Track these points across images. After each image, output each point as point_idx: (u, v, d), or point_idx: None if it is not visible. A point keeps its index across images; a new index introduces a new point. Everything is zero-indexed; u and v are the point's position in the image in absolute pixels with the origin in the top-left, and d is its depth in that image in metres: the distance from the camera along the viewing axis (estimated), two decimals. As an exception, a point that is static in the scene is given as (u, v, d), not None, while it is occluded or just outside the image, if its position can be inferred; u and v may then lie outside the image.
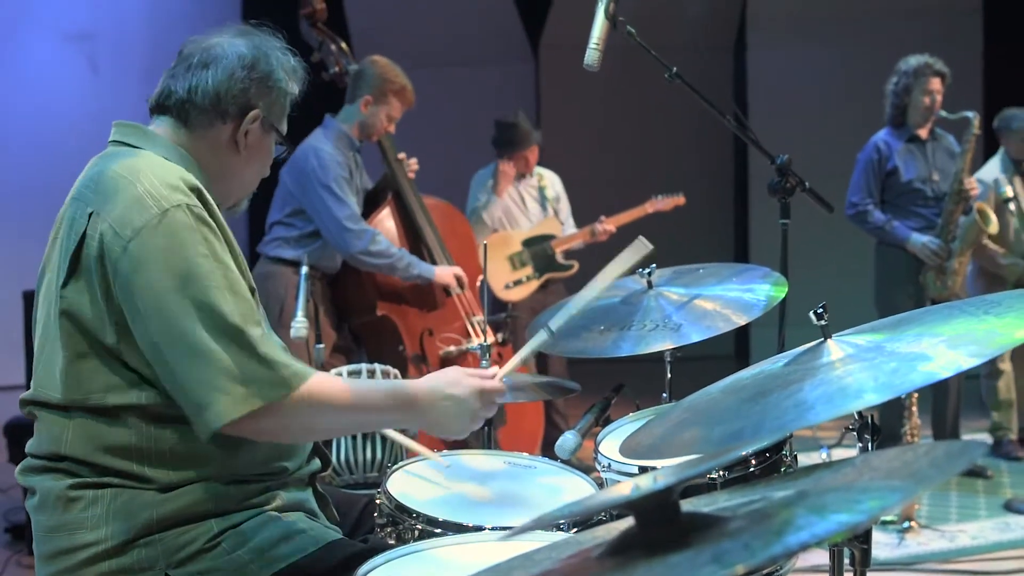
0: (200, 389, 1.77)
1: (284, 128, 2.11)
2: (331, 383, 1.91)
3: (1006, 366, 5.82)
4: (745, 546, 1.03)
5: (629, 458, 1.81)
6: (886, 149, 5.39)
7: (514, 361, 2.15)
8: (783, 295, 2.54)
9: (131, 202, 1.82)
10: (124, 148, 1.97)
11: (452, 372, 2.02)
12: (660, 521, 1.19)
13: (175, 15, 7.73)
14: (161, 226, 1.80)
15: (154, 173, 1.87)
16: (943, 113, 5.32)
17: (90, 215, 1.84)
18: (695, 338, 2.44)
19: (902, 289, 5.36)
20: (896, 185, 5.39)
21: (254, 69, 2.00)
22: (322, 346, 3.69)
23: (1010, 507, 4.93)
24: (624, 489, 1.20)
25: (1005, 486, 5.37)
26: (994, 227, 5.28)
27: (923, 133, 5.43)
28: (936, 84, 5.34)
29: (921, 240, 5.28)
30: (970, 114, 5.28)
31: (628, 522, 1.25)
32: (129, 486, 1.86)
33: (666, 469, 1.25)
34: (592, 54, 2.65)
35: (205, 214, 1.86)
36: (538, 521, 1.31)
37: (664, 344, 2.47)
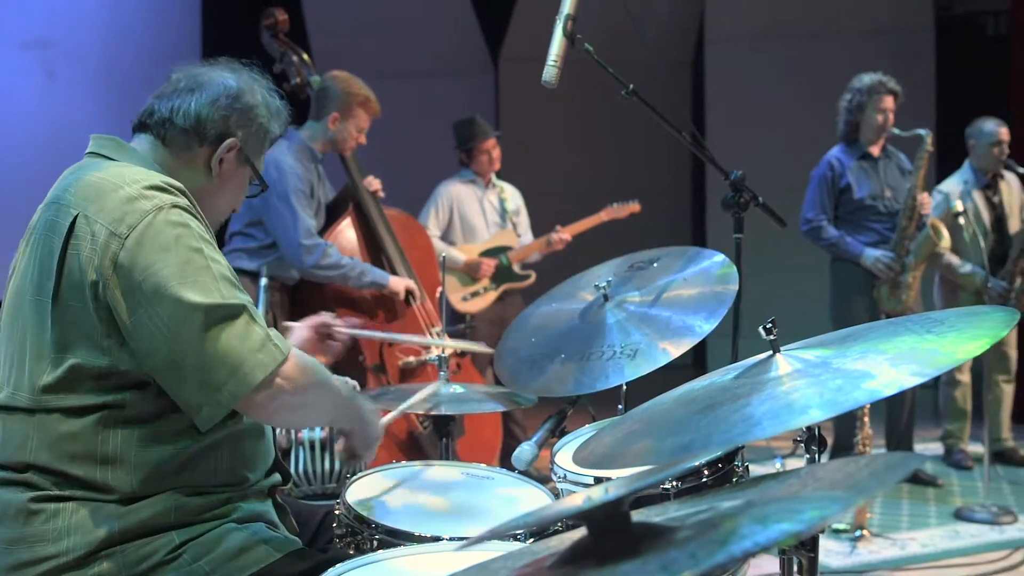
0: (213, 371, 1.83)
1: (261, 166, 2.17)
2: (310, 358, 2.01)
3: (964, 377, 5.93)
4: (691, 555, 1.07)
5: (583, 468, 1.84)
6: (839, 166, 5.49)
7: (394, 414, 2.55)
8: (729, 273, 2.59)
9: (121, 203, 1.86)
10: (101, 159, 2.02)
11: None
12: (611, 531, 1.23)
13: (133, 24, 7.69)
14: (156, 222, 1.85)
15: (137, 177, 1.92)
16: (896, 130, 5.42)
17: (75, 218, 1.87)
18: (646, 368, 2.47)
19: (857, 303, 5.44)
20: (849, 202, 5.48)
21: (238, 100, 2.07)
22: (281, 357, 3.70)
23: (960, 515, 5.03)
24: (577, 500, 1.24)
25: (955, 495, 5.47)
26: (946, 242, 5.37)
27: (875, 150, 5.53)
28: (889, 102, 5.44)
29: (874, 255, 5.37)
30: (923, 132, 5.37)
31: (582, 532, 1.29)
32: (91, 498, 1.87)
33: (617, 481, 1.29)
34: (550, 71, 2.69)
35: (193, 210, 1.93)
36: (493, 532, 1.34)
37: (620, 378, 2.50)
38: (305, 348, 2.42)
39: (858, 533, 4.61)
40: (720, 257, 2.67)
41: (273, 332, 1.92)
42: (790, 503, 1.19)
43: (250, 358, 1.84)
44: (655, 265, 2.77)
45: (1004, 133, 5.83)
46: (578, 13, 2.74)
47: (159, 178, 1.94)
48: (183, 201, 1.92)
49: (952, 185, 5.89)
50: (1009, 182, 5.98)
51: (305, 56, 4.76)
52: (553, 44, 2.70)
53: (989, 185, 5.92)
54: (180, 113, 2.04)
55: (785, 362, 1.71)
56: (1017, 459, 6.07)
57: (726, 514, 1.21)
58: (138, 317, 1.82)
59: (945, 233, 5.35)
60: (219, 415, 1.86)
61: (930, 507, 5.23)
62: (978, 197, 5.87)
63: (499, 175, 5.92)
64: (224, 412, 1.86)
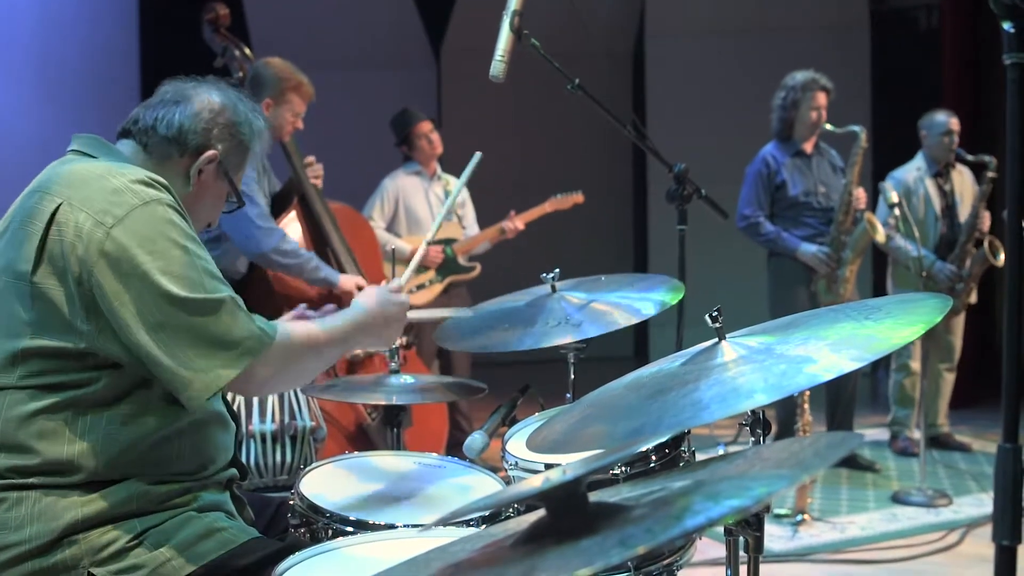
0: (200, 359, 1.88)
1: (240, 183, 2.23)
2: (299, 327, 2.07)
3: (916, 365, 6.05)
4: (648, 530, 1.12)
5: (536, 452, 1.88)
6: (774, 163, 5.59)
7: (407, 273, 2.49)
8: (678, 299, 2.65)
9: (109, 193, 1.91)
10: (83, 156, 2.06)
11: (372, 290, 2.28)
12: (570, 510, 1.27)
13: (68, 16, 7.58)
14: (142, 215, 1.90)
15: (124, 171, 1.97)
16: (829, 127, 5.53)
17: (58, 206, 1.90)
18: (594, 333, 2.54)
19: (795, 297, 5.54)
20: (784, 198, 5.59)
21: (221, 115, 2.14)
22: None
23: (897, 499, 5.16)
24: (536, 482, 1.28)
25: (892, 479, 5.60)
26: (881, 236, 5.50)
27: (808, 147, 5.64)
28: (822, 99, 5.56)
29: (811, 250, 5.48)
30: (857, 128, 5.49)
31: (538, 514, 1.34)
32: (55, 484, 1.89)
33: (573, 463, 1.33)
34: (498, 66, 2.73)
35: (177, 207, 1.98)
36: (455, 513, 1.38)
37: (565, 338, 2.57)
38: None
39: (799, 518, 4.71)
40: (671, 281, 2.73)
41: (258, 318, 1.97)
42: (740, 481, 1.25)
43: (233, 349, 1.90)
44: (603, 279, 2.83)
45: (954, 124, 6.00)
46: (524, 8, 2.79)
47: (145, 173, 1.98)
48: (168, 198, 1.96)
49: (908, 173, 6.05)
50: (962, 171, 6.15)
51: (247, 50, 4.73)
52: (500, 39, 2.74)
53: (941, 173, 6.08)
54: (163, 122, 2.10)
55: (731, 349, 1.76)
56: (952, 444, 6.23)
57: (679, 492, 1.26)
58: (123, 306, 1.86)
59: (880, 227, 5.47)
60: (206, 396, 1.90)
61: (868, 491, 5.36)
62: (930, 185, 6.04)
63: (441, 165, 5.94)
64: (211, 394, 1.90)
